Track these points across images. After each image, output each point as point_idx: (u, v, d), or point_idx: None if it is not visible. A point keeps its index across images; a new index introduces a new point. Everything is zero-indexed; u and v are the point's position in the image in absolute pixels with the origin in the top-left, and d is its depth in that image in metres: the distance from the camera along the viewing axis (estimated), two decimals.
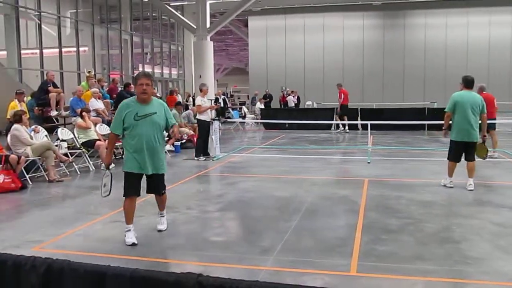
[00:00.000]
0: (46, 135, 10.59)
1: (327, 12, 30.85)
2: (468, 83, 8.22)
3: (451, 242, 5.40)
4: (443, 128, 8.57)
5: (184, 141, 14.41)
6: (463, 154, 8.19)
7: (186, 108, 18.91)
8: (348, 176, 9.92)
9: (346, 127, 19.63)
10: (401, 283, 4.37)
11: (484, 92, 11.76)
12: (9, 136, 9.41)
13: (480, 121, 8.18)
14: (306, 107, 27.70)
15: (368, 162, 11.33)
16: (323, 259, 4.92)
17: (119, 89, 16.30)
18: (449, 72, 28.18)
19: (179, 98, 21.27)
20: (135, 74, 26.59)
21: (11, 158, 8.59)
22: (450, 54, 29.26)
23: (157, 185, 5.76)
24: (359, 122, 19.22)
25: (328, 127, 20.46)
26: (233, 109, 28.25)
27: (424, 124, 18.10)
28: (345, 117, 19.48)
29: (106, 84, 17.69)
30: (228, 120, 23.14)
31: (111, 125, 5.60)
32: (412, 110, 20.76)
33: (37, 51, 19.80)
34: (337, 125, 19.88)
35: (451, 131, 8.25)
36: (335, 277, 4.45)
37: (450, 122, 8.28)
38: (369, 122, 14.09)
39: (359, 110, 20.62)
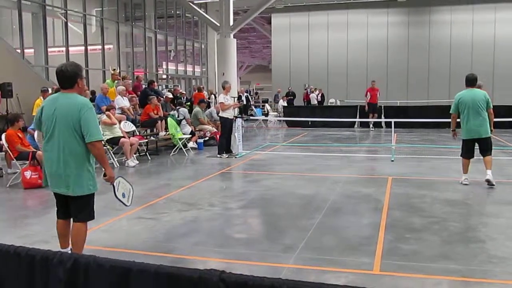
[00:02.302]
0: None
1: (351, 9, 30.58)
2: (468, 81, 8.39)
3: (476, 242, 5.33)
4: (451, 129, 8.66)
5: (207, 138, 14.49)
6: (478, 150, 8.31)
7: (209, 105, 18.99)
8: (372, 174, 9.85)
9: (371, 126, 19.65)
10: (425, 283, 4.33)
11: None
12: (36, 132, 9.58)
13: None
14: (329, 104, 27.57)
15: (392, 160, 11.24)
16: (346, 257, 4.91)
17: (143, 86, 16.47)
18: (475, 69, 27.46)
19: (206, 95, 21.44)
20: (158, 72, 26.79)
21: (38, 155, 8.74)
22: (477, 51, 28.70)
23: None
24: (383, 120, 19.05)
25: (351, 125, 20.33)
26: (256, 106, 28.25)
27: (449, 122, 17.82)
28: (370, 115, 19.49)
29: (131, 81, 17.86)
30: (251, 117, 23.17)
31: (98, 131, 4.37)
32: (437, 108, 20.50)
33: (63, 49, 20.08)
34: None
35: (461, 130, 8.41)
36: (358, 276, 4.43)
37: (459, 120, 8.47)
38: (392, 120, 13.96)
39: (383, 108, 20.46)
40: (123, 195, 4.74)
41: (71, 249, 4.58)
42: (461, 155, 8.44)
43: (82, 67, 4.82)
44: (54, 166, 4.36)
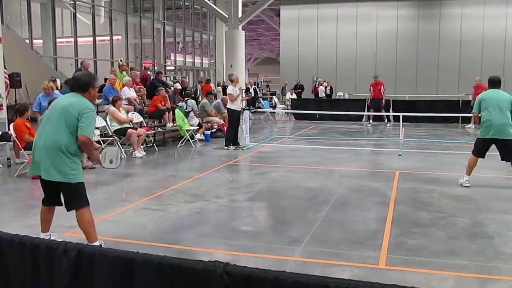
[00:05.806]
0: None
1: (361, 1, 30.38)
2: (492, 83, 7.97)
3: (484, 237, 5.29)
4: (479, 125, 8.26)
5: (214, 130, 14.48)
6: (502, 155, 7.70)
7: (216, 97, 18.96)
8: (379, 168, 9.81)
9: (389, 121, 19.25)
10: (431, 278, 4.31)
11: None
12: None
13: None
14: (337, 97, 27.44)
15: (400, 155, 11.18)
16: (352, 251, 4.89)
17: (151, 77, 16.47)
18: (485, 64, 27.43)
19: (213, 87, 21.42)
20: (166, 63, 26.77)
21: None
22: (487, 46, 28.42)
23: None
24: (391, 113, 18.92)
25: (359, 118, 20.21)
26: (263, 99, 28.20)
27: (458, 117, 17.73)
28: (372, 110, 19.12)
29: (139, 72, 17.87)
30: (259, 110, 23.13)
31: (90, 131, 4.56)
32: (446, 102, 20.37)
33: (72, 39, 20.13)
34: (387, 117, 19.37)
35: (480, 129, 7.89)
36: (363, 270, 4.42)
37: None
38: (401, 114, 13.87)
39: (391, 101, 20.32)
40: (111, 162, 5.03)
41: (50, 234, 4.88)
42: (472, 152, 7.89)
43: (97, 77, 5.07)
44: (42, 153, 4.53)
